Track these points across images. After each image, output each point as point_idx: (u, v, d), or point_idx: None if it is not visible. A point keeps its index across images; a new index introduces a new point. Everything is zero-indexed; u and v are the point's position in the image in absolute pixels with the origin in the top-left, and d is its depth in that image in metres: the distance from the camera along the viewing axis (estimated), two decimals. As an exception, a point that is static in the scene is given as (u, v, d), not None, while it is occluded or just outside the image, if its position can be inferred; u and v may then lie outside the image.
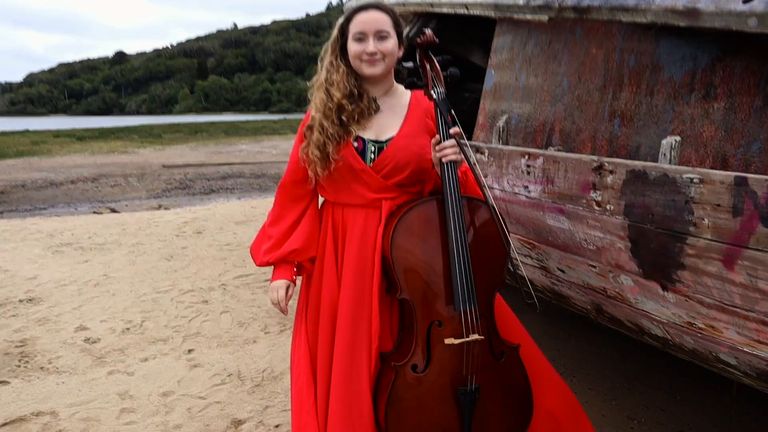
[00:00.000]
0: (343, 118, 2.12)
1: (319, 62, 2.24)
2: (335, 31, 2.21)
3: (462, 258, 2.03)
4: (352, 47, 2.14)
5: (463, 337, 2.04)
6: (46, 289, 5.64)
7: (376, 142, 2.17)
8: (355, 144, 2.15)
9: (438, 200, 2.09)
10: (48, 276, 6.05)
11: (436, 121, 2.13)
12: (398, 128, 2.19)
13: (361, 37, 2.12)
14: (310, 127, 2.16)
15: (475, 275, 2.05)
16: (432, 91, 2.14)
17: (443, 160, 2.06)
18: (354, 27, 2.14)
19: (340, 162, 2.11)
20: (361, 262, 2.15)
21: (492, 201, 2.08)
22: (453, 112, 2.11)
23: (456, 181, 2.06)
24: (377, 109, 2.20)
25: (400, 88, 2.30)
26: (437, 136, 2.10)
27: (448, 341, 2.05)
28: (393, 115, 2.22)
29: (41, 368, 3.93)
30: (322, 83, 2.17)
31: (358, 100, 2.16)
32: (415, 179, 2.21)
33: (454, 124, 2.08)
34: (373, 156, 2.16)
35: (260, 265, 2.31)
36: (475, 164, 2.11)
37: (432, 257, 2.08)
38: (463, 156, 2.08)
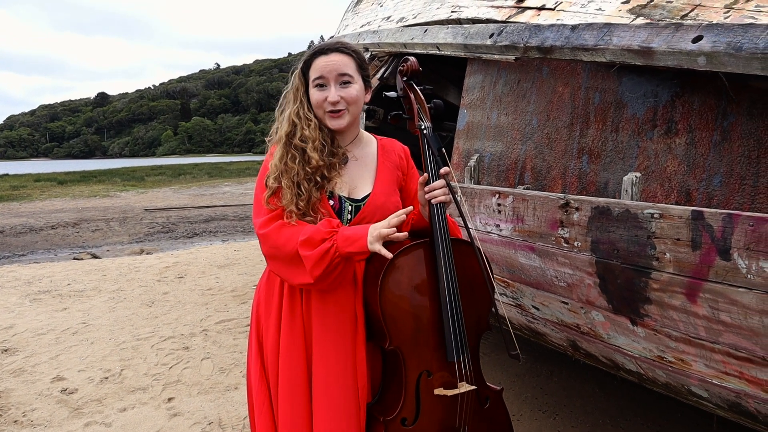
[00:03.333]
0: (317, 178, 1.96)
1: (278, 111, 2.08)
2: (295, 79, 2.04)
3: (454, 306, 1.94)
4: (314, 95, 1.99)
5: (454, 388, 1.96)
6: (23, 338, 5.55)
7: (352, 200, 2.04)
8: (331, 202, 2.00)
9: (426, 244, 1.99)
10: (25, 325, 5.96)
11: (424, 158, 2.01)
12: (371, 184, 2.07)
13: (322, 83, 1.97)
14: (285, 178, 1.95)
15: (464, 321, 1.96)
16: (420, 126, 2.03)
17: (433, 201, 1.94)
18: (314, 72, 1.99)
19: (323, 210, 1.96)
20: (337, 320, 1.99)
21: (479, 244, 1.98)
22: (443, 149, 2.02)
23: (446, 224, 1.97)
24: (345, 162, 2.07)
25: (366, 135, 2.19)
26: (425, 175, 1.98)
27: (438, 392, 1.96)
28: (363, 169, 2.10)
29: (15, 422, 3.84)
30: (287, 138, 1.99)
31: (333, 152, 2.02)
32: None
33: (444, 162, 1.98)
34: (350, 216, 2.02)
35: (314, 271, 1.86)
36: (463, 205, 1.99)
37: (421, 304, 1.97)
38: (452, 197, 1.97)
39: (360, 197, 2.05)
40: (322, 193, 1.97)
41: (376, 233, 1.84)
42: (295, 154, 1.97)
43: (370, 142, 2.18)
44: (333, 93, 1.96)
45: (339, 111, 1.98)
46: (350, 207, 2.02)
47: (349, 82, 1.99)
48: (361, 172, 2.09)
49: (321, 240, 1.86)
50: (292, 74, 2.08)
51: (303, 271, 1.88)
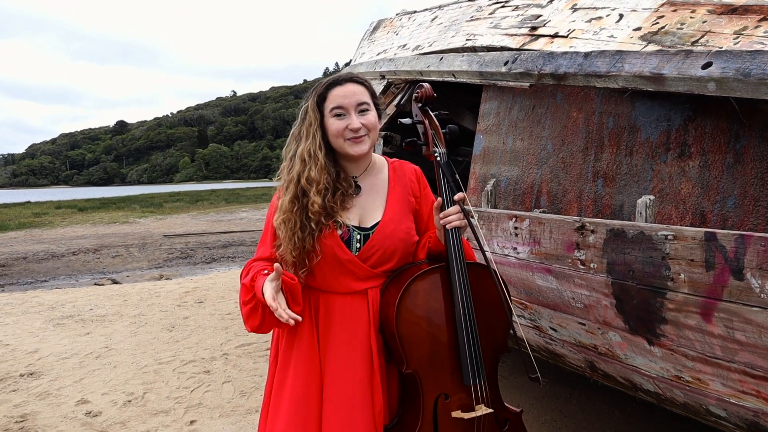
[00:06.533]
0: (312, 225, 1.99)
1: (285, 150, 2.11)
2: (309, 113, 2.06)
3: (470, 330, 1.96)
4: (333, 125, 2.01)
5: (471, 410, 1.97)
6: (47, 362, 5.64)
7: (361, 229, 2.06)
8: (340, 232, 2.02)
9: (442, 269, 2.02)
10: (49, 349, 6.06)
11: (439, 184, 2.05)
12: (382, 212, 2.09)
13: (342, 113, 2.00)
14: (282, 226, 2.01)
15: (481, 344, 1.98)
16: (434, 152, 2.07)
17: (448, 227, 1.98)
18: (331, 102, 2.02)
19: (320, 253, 1.99)
20: (350, 350, 2.04)
21: (494, 266, 2.00)
22: (457, 175, 2.06)
23: (461, 248, 1.99)
24: (358, 192, 2.10)
25: (378, 160, 2.21)
26: (439, 200, 2.01)
27: (456, 415, 1.97)
28: (375, 196, 2.12)
29: (42, 444, 3.91)
30: (298, 179, 2.03)
31: (339, 183, 2.05)
32: (403, 265, 2.12)
33: (458, 188, 2.01)
34: (359, 245, 2.04)
35: (245, 309, 2.02)
36: (479, 230, 2.01)
37: (438, 328, 1.99)
38: (467, 222, 2.00)
39: (369, 225, 2.07)
40: (325, 230, 2.00)
41: (266, 296, 1.90)
42: (298, 199, 2.01)
43: (382, 168, 2.20)
44: (355, 120, 2.00)
45: (361, 137, 2.01)
46: (359, 236, 2.05)
47: (366, 110, 2.04)
48: (372, 199, 2.12)
49: (245, 302, 2.01)
50: (302, 112, 2.10)
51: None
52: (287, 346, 2.13)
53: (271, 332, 2.25)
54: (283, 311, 1.86)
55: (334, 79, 2.08)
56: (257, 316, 1.99)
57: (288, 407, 2.06)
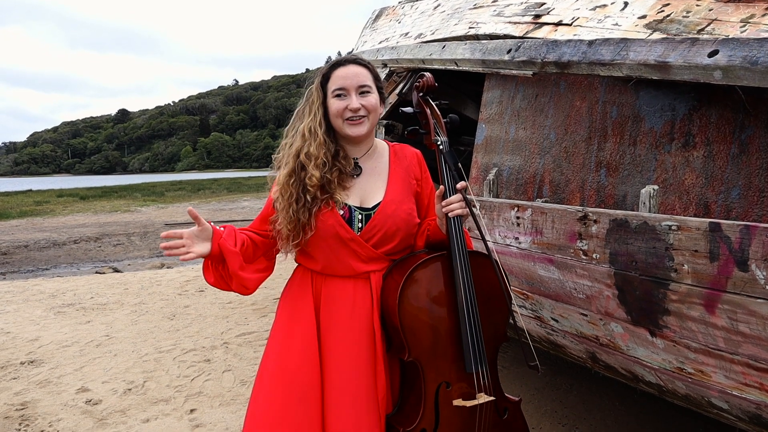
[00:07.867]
0: (308, 197, 2.00)
1: (294, 123, 2.13)
2: (313, 92, 2.09)
3: (472, 318, 1.96)
4: (333, 105, 2.03)
5: (473, 399, 1.97)
6: (48, 350, 5.64)
7: (362, 209, 2.06)
8: (341, 211, 2.03)
9: (443, 257, 2.02)
10: (50, 337, 6.06)
11: (441, 173, 2.04)
12: (383, 193, 2.09)
13: (342, 93, 2.02)
14: (279, 198, 2.04)
15: (482, 332, 1.98)
16: (436, 141, 2.07)
17: (450, 215, 1.98)
18: (333, 83, 2.04)
19: (314, 227, 2.00)
20: (354, 334, 2.04)
21: (496, 256, 2.00)
22: (459, 164, 2.05)
23: (462, 236, 1.99)
24: (359, 173, 2.11)
25: (379, 144, 2.21)
26: (441, 188, 2.01)
27: (457, 403, 1.97)
28: (376, 178, 2.13)
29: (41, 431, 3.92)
30: (297, 154, 2.05)
31: (338, 161, 2.06)
32: (405, 246, 2.13)
33: (460, 176, 2.01)
34: (360, 225, 2.05)
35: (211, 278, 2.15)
36: (480, 219, 2.00)
37: (439, 316, 2.00)
38: (469, 211, 1.99)
39: (371, 206, 2.07)
40: (325, 208, 2.01)
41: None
42: (295, 172, 2.04)
43: (383, 152, 2.20)
44: (354, 100, 2.01)
45: (360, 118, 2.03)
46: (360, 215, 2.05)
47: (368, 92, 2.05)
48: (374, 181, 2.12)
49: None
50: (307, 90, 2.13)
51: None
52: (283, 331, 2.12)
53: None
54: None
55: (338, 60, 2.09)
56: (208, 270, 2.15)
57: (288, 392, 2.04)
